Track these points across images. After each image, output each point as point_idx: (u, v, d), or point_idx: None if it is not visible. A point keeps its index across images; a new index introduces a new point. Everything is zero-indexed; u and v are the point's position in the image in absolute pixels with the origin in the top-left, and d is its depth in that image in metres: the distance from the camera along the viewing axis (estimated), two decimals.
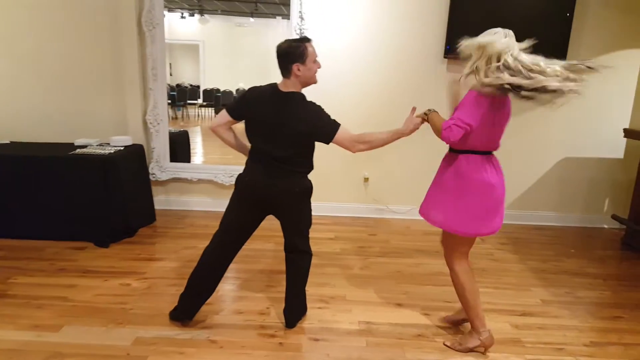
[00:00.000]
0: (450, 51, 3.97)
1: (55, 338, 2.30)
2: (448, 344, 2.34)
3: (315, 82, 2.31)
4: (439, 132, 2.10)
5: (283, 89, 2.22)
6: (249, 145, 2.37)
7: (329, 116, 2.26)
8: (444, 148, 4.45)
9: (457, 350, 2.30)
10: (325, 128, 2.23)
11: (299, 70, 2.18)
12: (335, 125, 2.25)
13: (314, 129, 2.22)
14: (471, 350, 2.29)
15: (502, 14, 3.88)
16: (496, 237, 3.99)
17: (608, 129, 4.17)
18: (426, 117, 2.28)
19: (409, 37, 4.05)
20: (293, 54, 2.16)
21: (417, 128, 2.31)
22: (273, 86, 2.25)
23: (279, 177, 2.25)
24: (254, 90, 2.29)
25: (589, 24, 3.96)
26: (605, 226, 4.38)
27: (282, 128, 2.19)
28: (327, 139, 2.25)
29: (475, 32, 3.96)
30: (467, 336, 2.32)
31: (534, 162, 4.29)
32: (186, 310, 2.44)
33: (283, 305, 2.50)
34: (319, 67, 2.28)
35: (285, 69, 2.20)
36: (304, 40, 2.22)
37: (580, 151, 4.26)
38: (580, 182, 4.33)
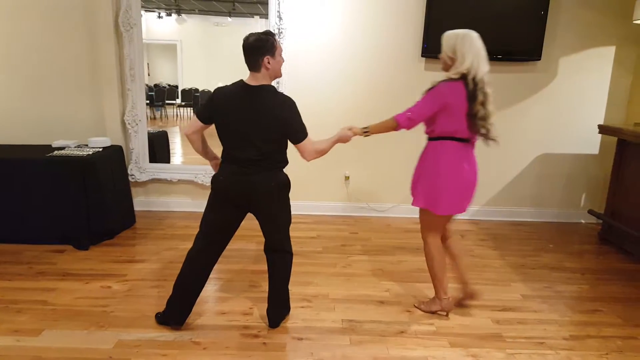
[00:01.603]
0: (428, 50, 4.02)
1: (36, 342, 2.26)
2: (416, 305, 2.72)
3: (280, 76, 2.33)
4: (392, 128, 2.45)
5: (253, 83, 2.20)
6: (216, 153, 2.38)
7: (300, 118, 2.26)
8: (422, 147, 4.51)
9: (422, 310, 2.68)
10: (297, 131, 2.25)
11: (269, 63, 2.17)
12: (304, 133, 2.26)
13: (287, 127, 2.22)
14: (433, 312, 2.65)
15: (477, 13, 3.93)
16: (476, 234, 4.05)
17: (583, 125, 4.27)
18: (368, 133, 2.51)
19: (387, 36, 4.08)
20: (264, 47, 2.16)
21: (349, 140, 2.49)
22: (240, 83, 2.23)
23: (253, 172, 2.22)
24: (220, 90, 2.26)
25: (563, 22, 4.05)
26: (582, 221, 4.48)
27: (256, 121, 2.17)
28: (294, 142, 2.27)
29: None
30: (430, 302, 2.68)
31: (511, 158, 4.37)
32: (176, 317, 2.41)
33: (266, 305, 2.49)
34: (283, 62, 2.30)
35: (256, 63, 2.17)
36: (270, 34, 2.23)
37: (557, 147, 4.36)
38: (557, 178, 4.43)
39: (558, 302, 2.86)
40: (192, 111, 10.42)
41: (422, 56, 4.07)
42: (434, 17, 3.95)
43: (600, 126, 3.96)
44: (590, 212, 4.16)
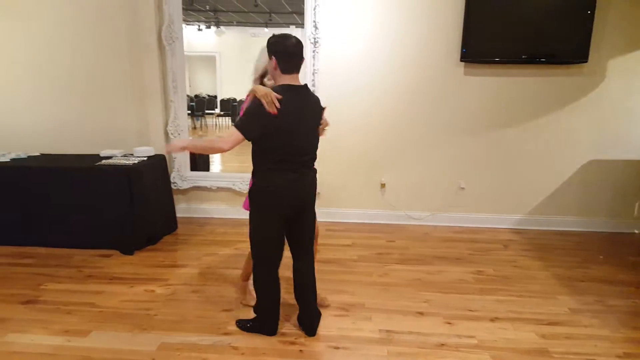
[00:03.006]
0: (467, 54, 3.93)
1: (85, 343, 2.36)
2: (244, 302, 2.75)
3: None
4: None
5: (298, 83, 2.20)
6: None
7: None
8: (461, 153, 4.40)
9: (248, 304, 2.72)
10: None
11: None
12: None
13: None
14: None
15: (520, 14, 3.82)
16: (519, 244, 3.91)
17: (635, 130, 4.05)
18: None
19: (424, 42, 4.02)
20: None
21: None
22: (286, 87, 2.15)
23: (307, 175, 2.27)
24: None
25: (611, 21, 3.85)
26: (636, 231, 4.23)
27: (309, 120, 2.22)
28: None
29: (493, 34, 3.96)
30: (249, 296, 2.77)
31: (558, 165, 4.19)
32: (273, 329, 2.46)
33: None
34: None
35: (301, 63, 2.19)
36: None
37: (606, 153, 4.15)
38: (607, 185, 4.20)
39: (610, 317, 2.71)
40: (230, 120, 10.70)
41: (461, 61, 3.99)
42: (473, 21, 3.87)
43: None
44: None
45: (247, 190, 2.37)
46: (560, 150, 4.16)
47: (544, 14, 3.81)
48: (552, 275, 3.28)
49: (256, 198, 2.25)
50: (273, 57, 2.14)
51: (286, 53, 2.13)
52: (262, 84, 2.42)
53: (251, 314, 2.56)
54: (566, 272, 3.33)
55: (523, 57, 3.88)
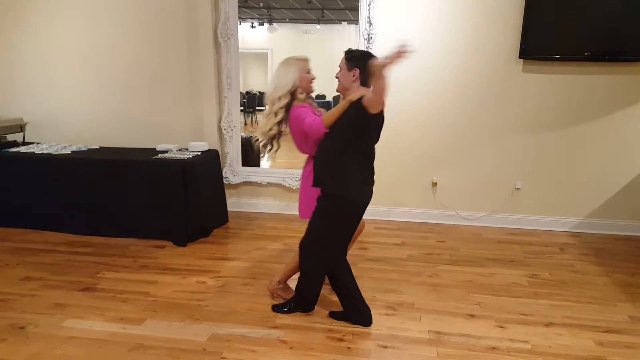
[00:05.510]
0: (527, 51, 3.77)
1: (138, 330, 2.46)
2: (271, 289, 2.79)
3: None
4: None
5: None
6: None
7: None
8: (518, 153, 4.22)
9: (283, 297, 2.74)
10: None
11: None
12: None
13: None
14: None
15: (586, 10, 3.61)
16: (577, 248, 3.73)
17: None
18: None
19: (481, 38, 3.89)
20: None
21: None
22: None
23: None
24: None
25: None
26: None
27: None
28: None
29: (554, 30, 3.76)
30: (286, 290, 2.76)
31: (621, 167, 3.95)
32: (313, 307, 2.67)
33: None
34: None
35: None
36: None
37: None
38: None
39: None
40: None
41: (519, 57, 3.82)
42: (533, 16, 3.70)
43: None
44: None
45: (304, 195, 2.52)
46: (623, 151, 3.91)
47: (609, 8, 3.58)
48: (612, 282, 3.11)
49: (338, 209, 2.33)
50: (357, 70, 2.28)
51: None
52: (293, 99, 2.52)
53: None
54: (628, 279, 3.15)
55: (586, 54, 3.67)
